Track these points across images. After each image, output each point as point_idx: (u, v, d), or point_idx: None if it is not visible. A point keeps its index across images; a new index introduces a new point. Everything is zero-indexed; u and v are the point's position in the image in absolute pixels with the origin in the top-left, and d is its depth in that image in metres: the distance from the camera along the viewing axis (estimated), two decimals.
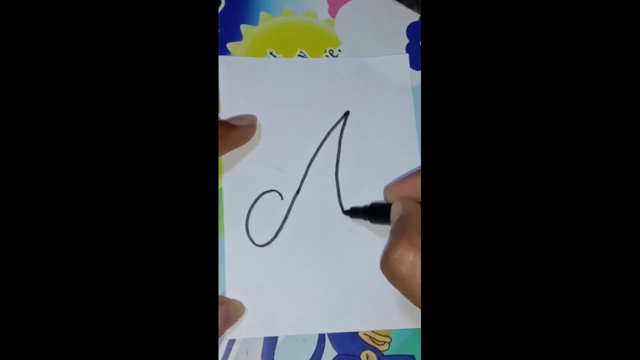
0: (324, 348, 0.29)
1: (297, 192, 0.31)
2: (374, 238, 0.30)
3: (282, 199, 0.31)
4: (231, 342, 0.29)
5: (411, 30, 0.34)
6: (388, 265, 0.22)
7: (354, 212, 0.30)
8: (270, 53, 0.33)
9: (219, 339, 0.29)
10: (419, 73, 0.33)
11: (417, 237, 0.22)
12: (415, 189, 0.27)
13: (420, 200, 0.26)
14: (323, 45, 0.33)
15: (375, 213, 0.29)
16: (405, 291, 0.22)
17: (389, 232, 0.25)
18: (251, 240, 0.30)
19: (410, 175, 0.28)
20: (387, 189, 0.28)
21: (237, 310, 0.29)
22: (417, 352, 0.30)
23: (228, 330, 0.28)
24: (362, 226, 0.31)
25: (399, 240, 0.22)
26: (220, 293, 0.29)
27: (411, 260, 0.22)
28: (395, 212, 0.26)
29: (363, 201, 0.30)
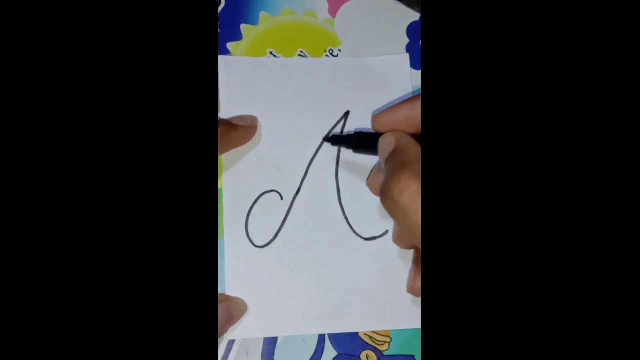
0: (324, 348, 0.29)
1: (297, 192, 0.31)
2: (374, 238, 0.30)
3: (282, 199, 0.31)
4: (231, 342, 0.29)
5: (411, 30, 0.34)
6: (389, 195, 0.22)
7: (337, 140, 0.30)
8: (270, 53, 0.33)
9: (222, 337, 0.28)
10: (419, 73, 0.33)
11: (419, 169, 0.21)
12: (408, 119, 0.25)
13: (413, 132, 0.25)
14: (323, 45, 0.33)
15: (361, 142, 0.28)
16: (405, 223, 0.22)
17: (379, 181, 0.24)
18: (251, 241, 0.30)
19: (404, 103, 0.26)
20: (376, 117, 0.26)
21: (239, 309, 0.28)
22: (417, 352, 0.30)
23: (230, 329, 0.28)
24: (362, 225, 0.31)
25: (403, 170, 0.22)
26: (220, 293, 0.29)
27: (414, 189, 0.21)
28: (387, 144, 0.25)
29: (365, 203, 0.30)
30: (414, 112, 0.25)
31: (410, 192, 0.21)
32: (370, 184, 0.29)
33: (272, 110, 0.32)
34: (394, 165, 0.23)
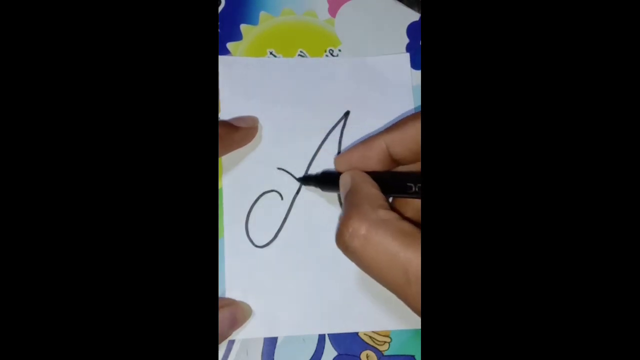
0: (324, 348, 0.29)
1: (297, 192, 0.31)
2: None
3: (282, 199, 0.31)
4: (231, 343, 0.29)
5: (411, 30, 0.34)
6: (342, 241, 0.23)
7: (307, 180, 0.30)
8: (270, 53, 0.33)
9: (226, 341, 0.28)
10: (419, 73, 0.33)
11: (369, 210, 0.22)
12: (364, 158, 0.27)
13: (367, 170, 0.27)
14: (323, 45, 0.33)
15: (326, 181, 0.29)
16: (360, 265, 0.23)
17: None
18: (251, 241, 0.30)
19: (360, 144, 0.27)
20: (337, 159, 0.28)
21: (243, 313, 0.28)
22: (417, 352, 0.30)
23: (233, 333, 0.28)
24: None
25: (351, 214, 0.23)
26: (220, 293, 0.29)
27: (364, 234, 0.22)
28: (344, 182, 0.26)
29: None
30: (370, 152, 0.27)
31: (360, 237, 0.22)
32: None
33: (272, 110, 0.32)
34: (346, 207, 0.24)
